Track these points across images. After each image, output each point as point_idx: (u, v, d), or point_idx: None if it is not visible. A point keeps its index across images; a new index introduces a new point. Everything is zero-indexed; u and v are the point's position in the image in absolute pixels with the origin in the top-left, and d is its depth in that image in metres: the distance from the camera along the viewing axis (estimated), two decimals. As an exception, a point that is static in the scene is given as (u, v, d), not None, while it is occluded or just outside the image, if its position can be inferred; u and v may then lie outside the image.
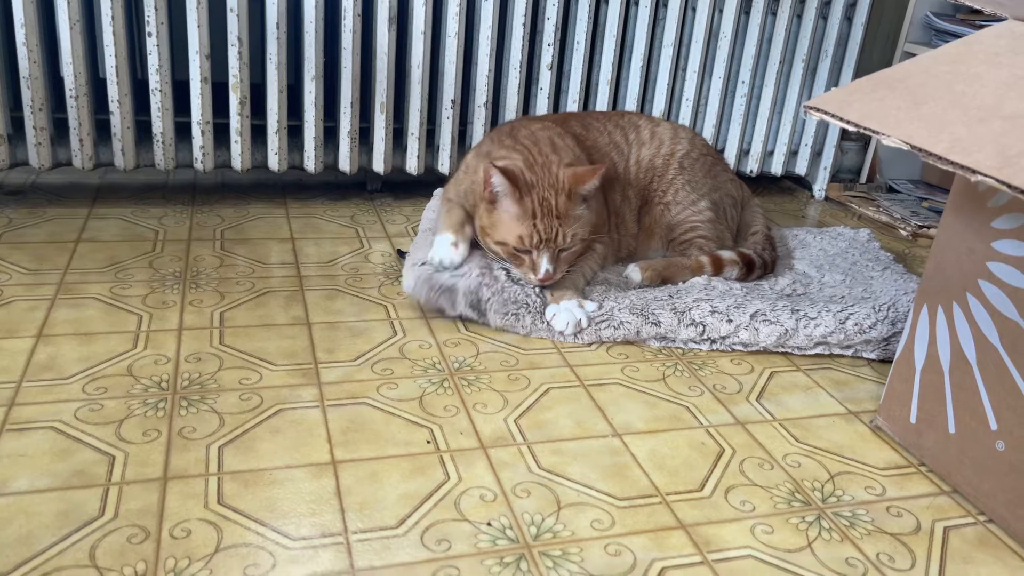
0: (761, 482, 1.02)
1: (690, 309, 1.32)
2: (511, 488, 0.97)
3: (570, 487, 0.98)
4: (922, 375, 1.08)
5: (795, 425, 1.16)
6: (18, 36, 1.50)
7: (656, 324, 1.32)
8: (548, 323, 1.31)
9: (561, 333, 1.31)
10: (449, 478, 0.98)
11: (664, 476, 1.02)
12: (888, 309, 1.33)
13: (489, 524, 0.91)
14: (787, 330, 1.31)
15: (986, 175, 0.69)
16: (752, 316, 1.32)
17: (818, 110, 0.87)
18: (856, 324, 1.32)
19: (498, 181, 1.29)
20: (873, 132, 0.81)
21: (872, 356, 1.34)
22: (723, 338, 1.32)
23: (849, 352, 1.34)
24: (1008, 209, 0.95)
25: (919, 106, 0.83)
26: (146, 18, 1.57)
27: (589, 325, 1.31)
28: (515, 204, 1.30)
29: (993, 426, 0.98)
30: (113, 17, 1.54)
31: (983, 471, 1.00)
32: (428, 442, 1.04)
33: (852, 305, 1.36)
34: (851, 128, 0.83)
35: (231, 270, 1.46)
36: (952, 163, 0.73)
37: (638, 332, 1.32)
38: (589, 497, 0.97)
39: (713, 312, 1.32)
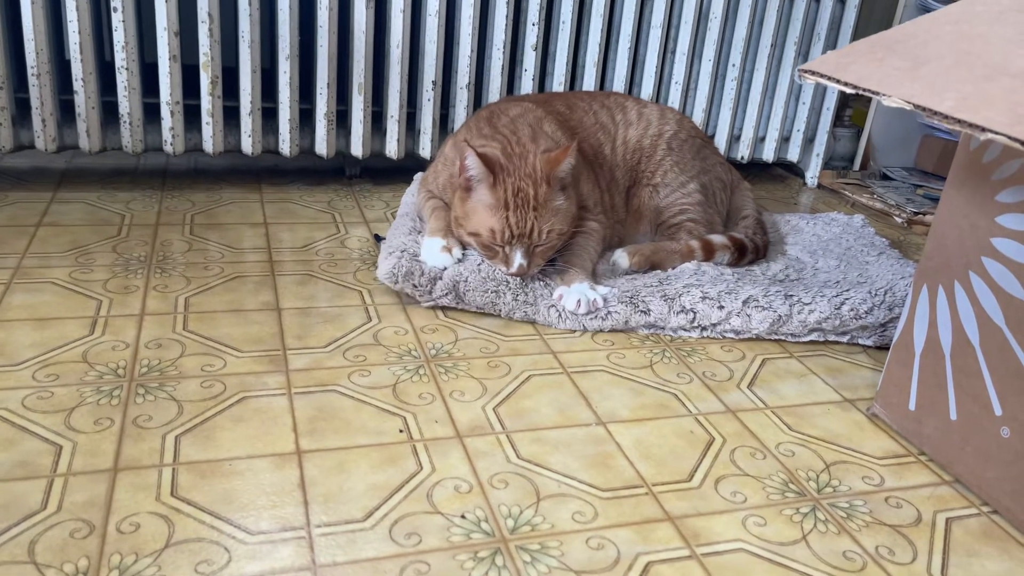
0: (753, 472, 0.97)
1: (680, 295, 1.27)
2: (488, 479, 0.91)
3: (551, 477, 0.92)
4: (922, 359, 1.03)
5: (789, 413, 1.10)
6: (-25, 10, 1.43)
7: (646, 312, 1.26)
8: (561, 304, 1.25)
9: (573, 313, 1.25)
10: (422, 468, 0.92)
11: (651, 466, 0.96)
12: (885, 294, 1.28)
13: (463, 517, 0.85)
14: (780, 316, 1.26)
15: (998, 132, 0.63)
16: (744, 302, 1.26)
17: (813, 73, 0.81)
18: (852, 309, 1.26)
19: (472, 163, 1.23)
20: (872, 93, 0.75)
21: (868, 343, 1.29)
22: (714, 325, 1.26)
23: (845, 339, 1.29)
24: (1014, 181, 0.89)
25: (921, 66, 0.77)
26: (111, -7, 1.50)
27: (605, 306, 1.25)
28: (489, 192, 1.24)
29: (998, 411, 0.93)
30: (76, -9, 1.48)
31: (987, 459, 0.94)
32: (400, 431, 0.98)
33: (847, 290, 1.30)
34: (849, 90, 0.77)
35: (200, 255, 1.39)
36: (959, 121, 0.67)
37: (627, 321, 1.26)
38: (571, 488, 0.91)
39: (704, 298, 1.26)
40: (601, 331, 1.27)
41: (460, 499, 0.87)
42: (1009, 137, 0.62)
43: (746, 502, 0.91)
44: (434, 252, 1.28)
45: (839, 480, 0.97)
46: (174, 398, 1.00)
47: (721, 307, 1.26)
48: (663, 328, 1.27)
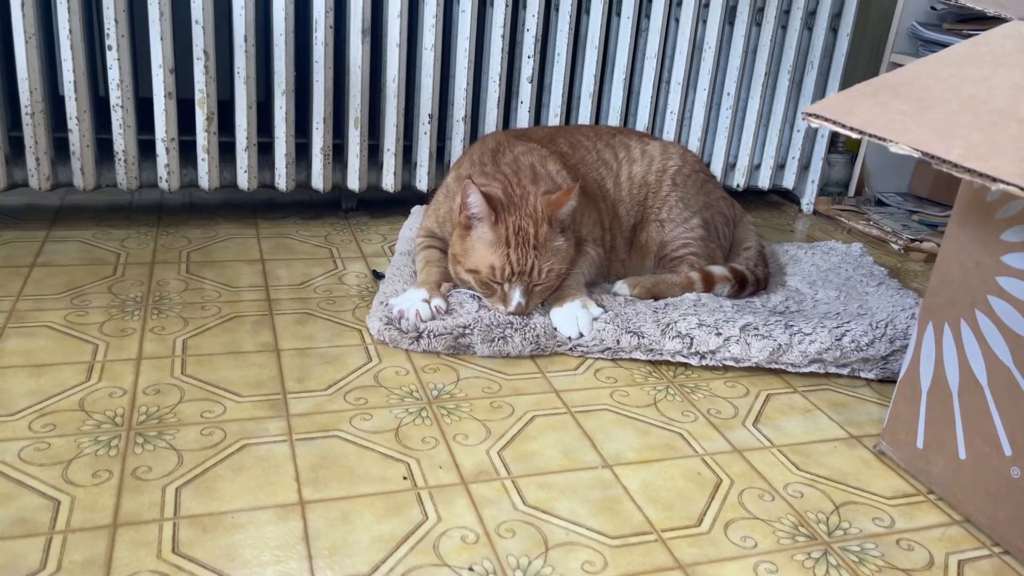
0: (762, 515, 0.96)
1: (675, 322, 1.26)
2: (495, 528, 0.89)
3: (558, 525, 0.91)
4: (929, 396, 1.02)
5: (795, 451, 1.09)
6: (-31, 50, 1.42)
7: (637, 335, 1.25)
8: (557, 329, 1.26)
9: (569, 339, 1.25)
10: (427, 518, 0.90)
11: (659, 511, 0.95)
12: (886, 326, 1.28)
13: (471, 569, 0.83)
14: (780, 345, 1.25)
15: (1009, 183, 0.63)
16: (743, 329, 1.26)
17: (818, 116, 0.81)
18: (853, 341, 1.26)
19: (475, 201, 1.23)
20: (879, 139, 0.75)
21: (871, 376, 1.28)
22: (712, 352, 1.25)
23: (845, 371, 1.28)
24: (1019, 220, 0.89)
25: (926, 111, 0.77)
26: (106, 31, 1.49)
27: (592, 329, 1.25)
28: (490, 230, 1.24)
29: (1007, 451, 0.92)
30: (71, 30, 1.47)
31: (998, 500, 0.93)
32: (404, 478, 0.96)
33: (848, 322, 1.30)
34: (855, 135, 0.77)
35: (197, 294, 1.38)
36: (969, 171, 0.67)
37: (617, 341, 1.25)
38: (579, 536, 0.89)
39: (700, 325, 1.26)
40: (588, 355, 1.26)
41: (467, 550, 0.86)
42: (1022, 188, 0.61)
43: (756, 547, 0.90)
44: (413, 301, 1.26)
45: (849, 522, 0.96)
46: (173, 447, 0.98)
47: (719, 333, 1.25)
48: (659, 352, 1.26)
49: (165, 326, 1.26)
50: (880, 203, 2.16)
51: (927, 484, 1.03)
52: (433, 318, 1.24)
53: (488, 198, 1.23)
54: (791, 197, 2.20)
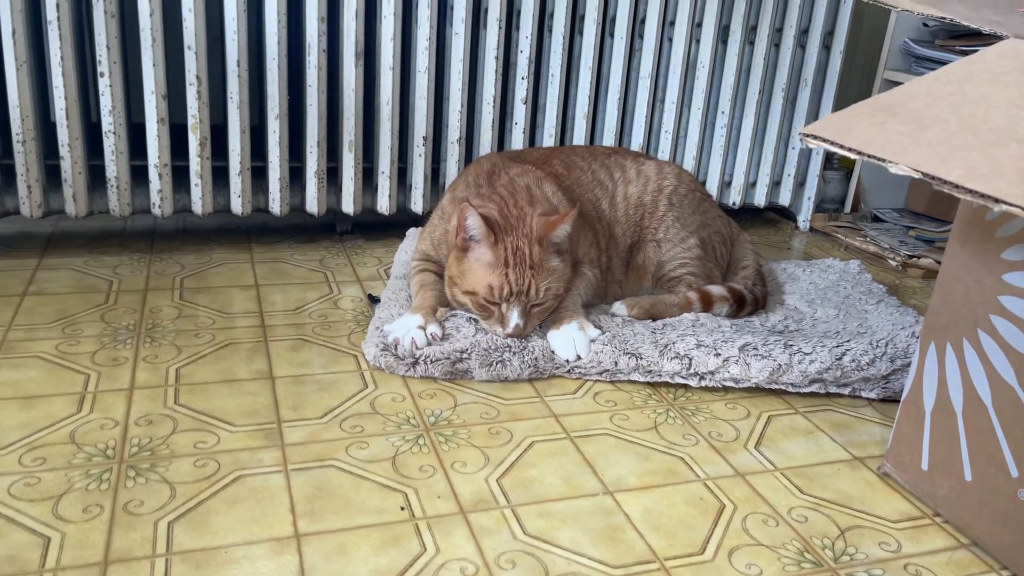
0: (767, 541, 0.94)
1: (674, 343, 1.25)
2: (494, 559, 0.88)
3: (559, 555, 0.89)
4: (933, 417, 1.01)
5: (798, 474, 1.08)
6: (-40, 79, 1.42)
7: (635, 356, 1.24)
8: (552, 352, 1.25)
9: (567, 361, 1.24)
10: (426, 549, 0.88)
11: (661, 538, 0.93)
12: (886, 345, 1.27)
13: (471, 602, 0.81)
14: (780, 365, 1.24)
15: (1012, 204, 0.62)
16: (742, 349, 1.25)
17: (816, 137, 0.80)
18: (853, 360, 1.25)
19: (474, 223, 1.22)
20: (878, 160, 0.74)
21: (872, 395, 1.27)
22: (711, 373, 1.24)
23: (846, 391, 1.27)
24: (1020, 239, 0.88)
25: (925, 130, 0.76)
26: (98, 57, 1.49)
27: (589, 351, 1.24)
28: (488, 251, 1.23)
29: (1014, 473, 0.90)
30: (63, 57, 1.46)
31: (1005, 522, 0.92)
32: (402, 508, 0.95)
33: (848, 340, 1.29)
34: (853, 156, 0.76)
35: (190, 321, 1.36)
36: (971, 191, 0.66)
37: (615, 363, 1.24)
38: (581, 566, 0.88)
39: (699, 346, 1.24)
40: (586, 377, 1.25)
41: (467, 582, 0.84)
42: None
43: (762, 574, 0.89)
44: (408, 327, 1.24)
45: (855, 547, 0.94)
46: (166, 480, 0.96)
47: (717, 354, 1.24)
48: (658, 373, 1.25)
49: (158, 354, 1.25)
50: (876, 219, 2.16)
51: (933, 506, 1.02)
52: (429, 344, 1.23)
53: (486, 220, 1.22)
54: (787, 214, 2.20)
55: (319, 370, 1.24)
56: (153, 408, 1.10)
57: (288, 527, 0.90)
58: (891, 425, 1.20)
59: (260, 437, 1.06)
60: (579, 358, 1.24)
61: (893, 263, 1.90)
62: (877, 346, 1.26)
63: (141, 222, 1.83)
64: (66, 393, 1.12)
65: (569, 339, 1.25)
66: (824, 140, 0.80)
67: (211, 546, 0.86)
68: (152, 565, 0.83)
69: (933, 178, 0.69)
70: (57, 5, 1.43)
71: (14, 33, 1.42)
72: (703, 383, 1.25)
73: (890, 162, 0.72)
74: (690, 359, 1.23)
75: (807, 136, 0.82)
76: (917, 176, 0.70)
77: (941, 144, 0.73)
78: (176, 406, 1.11)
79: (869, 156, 0.75)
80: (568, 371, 1.26)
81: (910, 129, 0.77)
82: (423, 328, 1.24)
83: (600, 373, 1.26)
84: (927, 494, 1.02)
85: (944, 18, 0.93)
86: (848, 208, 2.22)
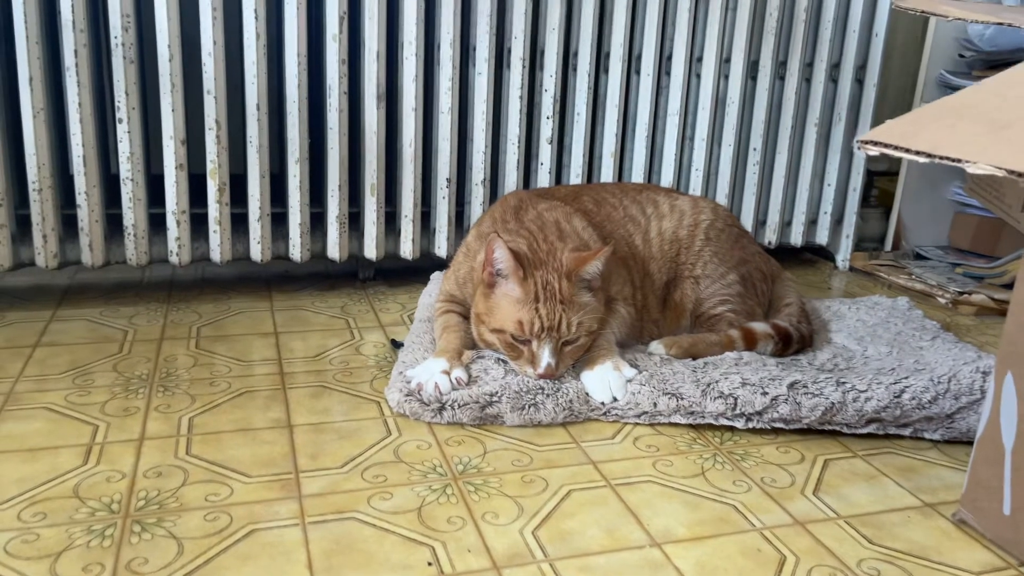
0: (836, 597, 0.84)
1: (717, 382, 1.16)
2: (533, 619, 0.79)
3: (605, 615, 0.80)
4: (1014, 457, 0.91)
5: (865, 523, 0.98)
6: (-24, 127, 1.39)
7: (676, 396, 1.15)
8: (587, 393, 1.17)
9: (602, 403, 1.17)
10: (456, 610, 0.80)
11: (718, 595, 0.84)
12: (949, 381, 1.17)
13: (508, 670, 0.72)
14: (833, 404, 1.14)
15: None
16: (790, 387, 1.16)
17: (876, 143, 0.73)
18: (913, 398, 1.15)
19: (501, 256, 1.16)
20: (952, 161, 0.66)
21: (935, 437, 1.17)
22: (759, 413, 1.15)
23: (907, 431, 1.17)
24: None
25: (1002, 130, 0.69)
26: (117, 104, 1.46)
27: (626, 392, 1.16)
28: (518, 286, 1.16)
29: (1115, 515, 0.80)
30: (81, 103, 1.44)
31: (1108, 572, 0.81)
32: (429, 564, 0.86)
33: (906, 377, 1.19)
34: (922, 159, 0.69)
35: (206, 370, 1.30)
36: (1068, 186, 0.58)
37: (654, 404, 1.16)
38: (630, 627, 0.78)
39: (744, 384, 1.16)
40: (624, 420, 1.17)
41: (503, 647, 0.75)
42: None
43: (835, 635, 0.79)
44: (432, 372, 1.17)
45: (937, 603, 0.84)
46: (173, 535, 0.88)
47: (764, 393, 1.15)
48: (701, 415, 1.16)
49: (171, 404, 1.18)
50: (919, 256, 2.07)
51: (1018, 555, 0.91)
52: (454, 390, 1.15)
53: (515, 253, 1.16)
54: (825, 254, 2.12)
55: (340, 417, 1.17)
56: (163, 459, 1.03)
57: (304, 586, 0.82)
58: (961, 468, 1.10)
59: (276, 488, 0.98)
60: (615, 400, 1.16)
61: (943, 301, 1.80)
62: (939, 382, 1.16)
63: (159, 273, 1.79)
64: (72, 445, 1.06)
65: (604, 380, 1.17)
66: (886, 145, 0.73)
67: (220, 608, 0.78)
68: (154, 630, 0.75)
69: (1021, 174, 0.61)
70: (75, 51, 1.41)
71: (31, 80, 1.40)
72: (750, 424, 1.16)
73: (968, 162, 0.65)
74: (735, 399, 1.15)
75: (866, 143, 0.75)
76: (1001, 174, 0.62)
77: (1022, 142, 0.66)
78: (188, 456, 1.04)
79: (942, 158, 0.67)
80: (604, 414, 1.18)
81: (985, 130, 0.70)
82: (447, 372, 1.17)
83: (639, 416, 1.17)
84: (1010, 541, 0.92)
85: (1003, 23, 0.86)
86: (888, 246, 2.13)
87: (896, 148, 0.72)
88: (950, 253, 2.07)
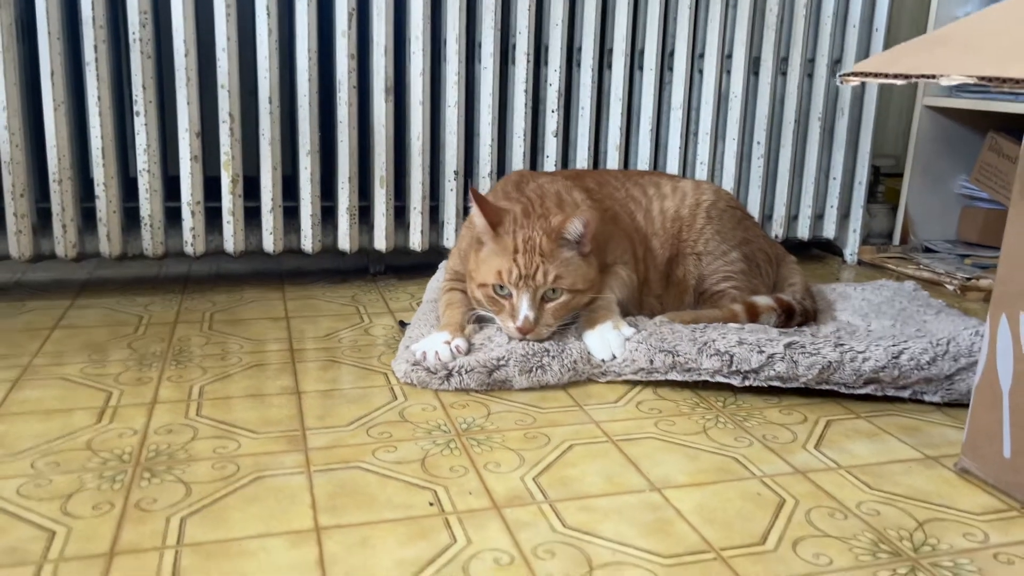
0: (835, 532, 0.84)
1: (714, 340, 1.17)
2: (531, 549, 0.80)
3: (603, 546, 0.81)
4: (1012, 398, 0.91)
5: (865, 472, 0.98)
6: None
7: (672, 353, 1.17)
8: (589, 352, 1.20)
9: (603, 361, 1.19)
10: (456, 541, 0.81)
11: (716, 530, 0.84)
12: (948, 343, 1.17)
13: (505, 590, 0.73)
14: (831, 363, 1.15)
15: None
16: (788, 346, 1.16)
17: (857, 74, 0.76)
18: (911, 359, 1.15)
19: (481, 211, 1.21)
20: (927, 78, 0.69)
21: (935, 399, 1.17)
22: (755, 371, 1.15)
23: (906, 393, 1.17)
24: (1091, 182, 0.81)
25: (978, 50, 0.71)
26: (134, 97, 1.51)
27: (624, 350, 1.18)
28: (499, 240, 1.22)
29: (1112, 445, 0.81)
30: (100, 97, 1.49)
31: (1107, 503, 0.81)
32: (431, 504, 0.87)
33: (905, 340, 1.20)
34: (900, 82, 0.71)
35: (218, 347, 1.33)
36: (1035, 82, 0.60)
37: (651, 361, 1.17)
38: (627, 556, 0.79)
39: (741, 343, 1.17)
40: (620, 377, 1.18)
41: (500, 572, 0.76)
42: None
43: (832, 564, 0.79)
44: (433, 343, 1.20)
45: (937, 538, 0.84)
46: (182, 480, 0.90)
47: (761, 351, 1.16)
48: (697, 371, 1.17)
49: (183, 375, 1.21)
50: (928, 250, 2.08)
51: (1020, 497, 0.91)
52: (453, 359, 1.17)
53: (494, 208, 1.22)
54: (833, 249, 2.13)
55: (347, 385, 1.19)
56: (174, 419, 1.06)
57: (308, 521, 0.83)
58: (963, 428, 1.10)
59: (283, 443, 1.00)
60: (614, 357, 1.18)
61: (950, 287, 1.80)
62: (938, 344, 1.17)
63: (174, 269, 1.83)
64: (86, 408, 1.09)
65: (604, 339, 1.19)
66: (866, 75, 0.75)
67: (225, 538, 0.80)
68: (161, 556, 0.77)
69: (991, 79, 0.63)
70: (95, 47, 1.47)
71: (52, 74, 1.45)
72: (747, 382, 1.16)
73: (941, 76, 0.67)
74: (731, 355, 1.16)
75: (847, 76, 0.78)
76: (972, 81, 0.65)
77: (997, 54, 0.68)
78: (198, 417, 1.07)
79: (918, 77, 0.70)
80: (603, 373, 1.19)
81: (961, 50, 0.72)
82: (448, 343, 1.19)
83: (635, 372, 1.18)
84: (1012, 484, 0.92)
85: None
86: (896, 240, 2.14)
87: (876, 75, 0.74)
88: (958, 246, 2.07)
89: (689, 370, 1.17)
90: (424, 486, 0.91)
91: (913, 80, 0.71)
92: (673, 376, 1.18)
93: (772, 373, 1.15)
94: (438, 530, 0.83)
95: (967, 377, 1.16)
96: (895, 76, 0.72)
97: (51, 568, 0.75)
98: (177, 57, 1.52)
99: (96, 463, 0.94)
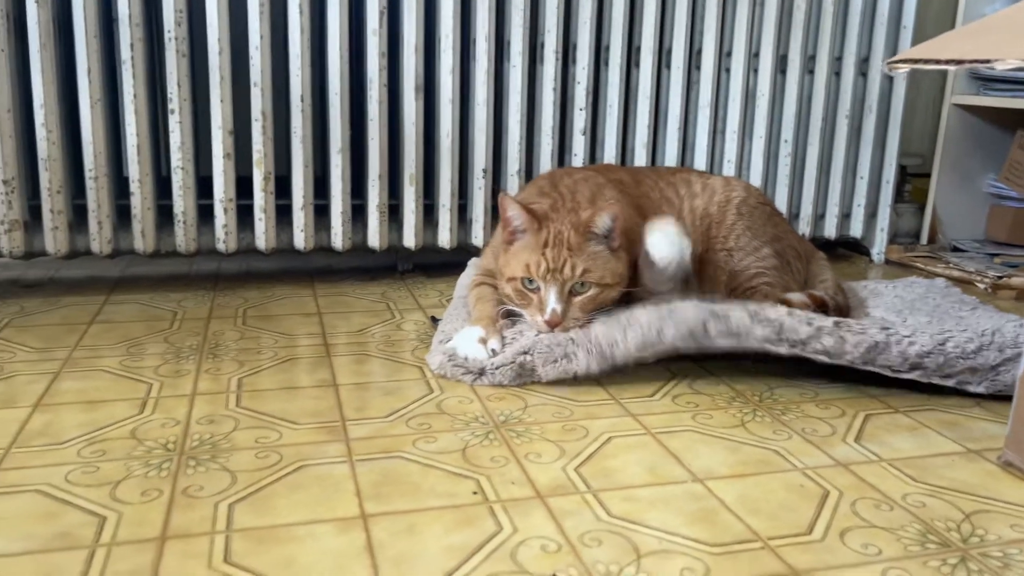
0: (882, 524, 0.84)
1: (764, 309, 1.17)
2: (577, 537, 0.80)
3: (649, 534, 0.81)
4: (1057, 389, 0.91)
5: (909, 465, 0.97)
6: (36, 117, 1.46)
7: (724, 318, 1.15)
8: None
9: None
10: (502, 528, 0.81)
11: (762, 520, 0.84)
12: (993, 334, 1.17)
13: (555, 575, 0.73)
14: (877, 343, 1.14)
15: None
16: (836, 324, 1.16)
17: (906, 61, 0.76)
18: (957, 346, 1.15)
19: (515, 214, 1.23)
20: (981, 63, 0.69)
21: (980, 390, 1.16)
22: (803, 343, 1.14)
23: (951, 382, 1.16)
24: None
25: (1029, 36, 0.71)
26: (169, 95, 1.53)
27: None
28: (531, 236, 1.23)
29: None
30: (135, 95, 1.51)
31: None
32: (475, 493, 0.88)
33: (949, 330, 1.19)
34: (951, 68, 0.71)
35: (253, 342, 1.34)
36: (1096, 64, 0.60)
37: (704, 325, 1.15)
38: (674, 544, 0.79)
39: (791, 314, 1.16)
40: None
41: (549, 558, 0.76)
42: None
43: (881, 554, 0.79)
44: (469, 341, 1.20)
45: (985, 529, 0.84)
46: (227, 468, 0.91)
47: (810, 323, 1.15)
48: (745, 336, 1.15)
49: (220, 368, 1.22)
50: (956, 249, 2.06)
51: (1068, 490, 0.91)
52: (489, 359, 1.18)
53: (528, 209, 1.22)
54: (860, 249, 2.12)
55: (383, 379, 1.19)
56: (214, 410, 1.07)
57: (354, 508, 0.84)
58: (1006, 422, 1.09)
59: (323, 433, 1.01)
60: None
61: (981, 286, 1.79)
62: (983, 335, 1.16)
63: (206, 267, 1.84)
64: (128, 399, 1.10)
65: (668, 235, 1.21)
66: (916, 61, 0.75)
67: (273, 524, 0.80)
68: (211, 540, 0.77)
69: (1048, 62, 0.63)
70: (131, 45, 1.48)
71: (89, 72, 1.47)
72: (793, 351, 1.14)
73: (996, 60, 0.67)
74: (780, 323, 1.14)
75: (894, 64, 0.78)
76: (1029, 65, 0.64)
77: (1050, 41, 0.67)
78: (238, 408, 1.07)
79: (972, 62, 0.69)
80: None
81: (1010, 37, 0.72)
82: (484, 341, 1.20)
83: (683, 337, 1.15)
84: (1059, 477, 0.91)
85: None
86: (924, 240, 2.13)
87: (926, 61, 0.74)
88: (987, 245, 2.06)
89: (738, 335, 1.15)
90: (466, 475, 0.91)
91: (966, 65, 0.71)
92: (720, 343, 1.16)
93: (819, 347, 1.14)
94: (483, 518, 0.83)
95: (1012, 368, 1.15)
96: (947, 61, 0.72)
97: (104, 552, 0.75)
98: (211, 55, 1.53)
99: (141, 451, 0.95)
